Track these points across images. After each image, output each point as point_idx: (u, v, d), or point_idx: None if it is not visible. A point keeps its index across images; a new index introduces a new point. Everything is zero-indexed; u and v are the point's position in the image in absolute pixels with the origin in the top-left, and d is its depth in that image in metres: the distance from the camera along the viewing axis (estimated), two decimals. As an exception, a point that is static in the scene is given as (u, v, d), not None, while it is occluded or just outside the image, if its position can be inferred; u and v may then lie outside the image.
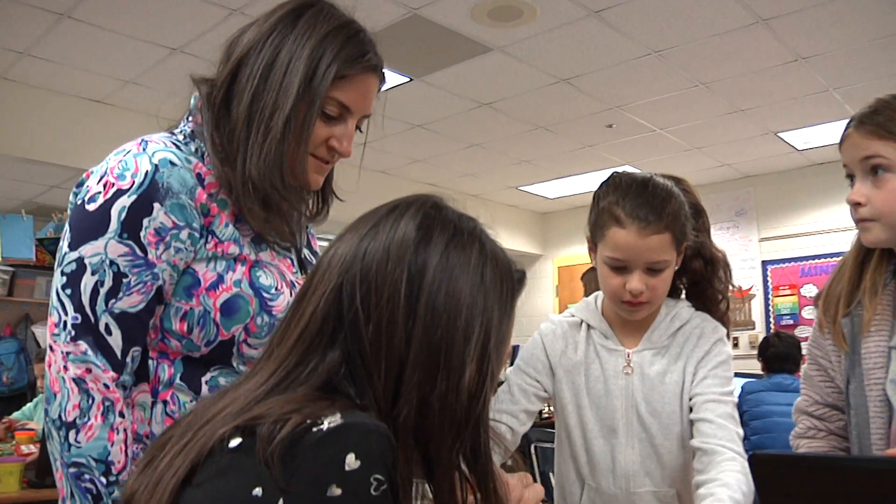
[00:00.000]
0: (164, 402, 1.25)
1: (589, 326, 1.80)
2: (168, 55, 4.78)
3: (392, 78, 5.31)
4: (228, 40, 1.35)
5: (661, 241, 1.61)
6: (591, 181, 7.57)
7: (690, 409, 1.66)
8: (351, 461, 0.76)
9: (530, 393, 1.78)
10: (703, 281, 1.80)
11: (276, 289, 1.32)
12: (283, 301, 1.32)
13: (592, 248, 1.73)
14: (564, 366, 1.78)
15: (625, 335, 1.77)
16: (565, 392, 1.77)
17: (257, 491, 0.76)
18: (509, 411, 1.76)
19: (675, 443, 1.67)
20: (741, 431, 1.61)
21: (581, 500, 1.73)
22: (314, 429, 0.78)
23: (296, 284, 1.38)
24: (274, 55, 1.29)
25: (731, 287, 1.82)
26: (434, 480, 0.90)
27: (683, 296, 1.84)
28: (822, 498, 1.01)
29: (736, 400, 1.67)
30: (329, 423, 0.78)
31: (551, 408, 1.91)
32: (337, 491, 0.74)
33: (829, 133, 6.12)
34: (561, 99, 5.67)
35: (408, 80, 5.34)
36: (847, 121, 1.59)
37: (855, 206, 1.52)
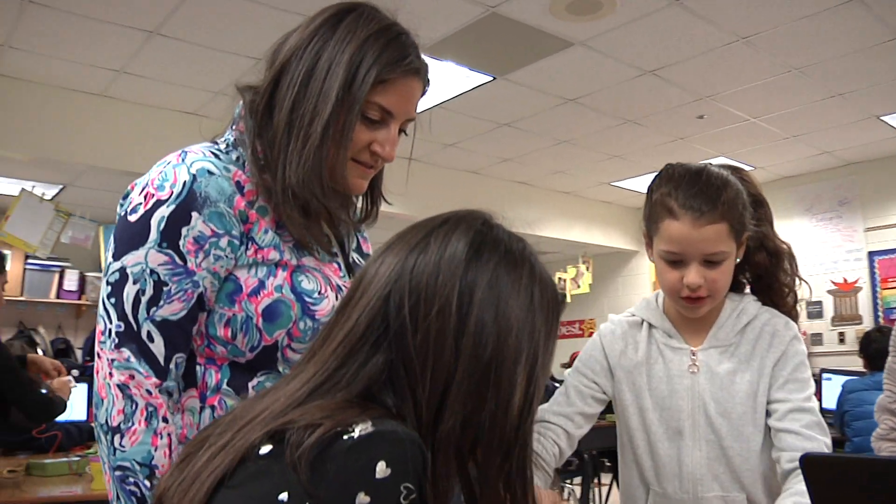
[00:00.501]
0: (212, 407, 1.26)
1: (650, 325, 1.73)
2: (253, 65, 4.90)
3: (474, 77, 5.32)
4: (273, 47, 1.35)
5: (717, 231, 1.53)
6: (684, 174, 7.38)
7: (768, 414, 1.58)
8: (381, 469, 0.75)
9: (587, 395, 1.73)
10: (767, 274, 1.70)
11: (320, 293, 1.32)
12: (327, 305, 1.31)
13: (648, 244, 1.66)
14: (624, 366, 1.72)
15: (688, 333, 1.69)
16: (626, 394, 1.71)
17: (283, 496, 0.76)
18: (564, 413, 1.72)
19: (745, 445, 1.59)
20: (829, 441, 1.52)
21: None
22: (345, 436, 0.77)
23: (342, 288, 1.37)
24: (314, 61, 1.28)
25: (797, 280, 1.72)
26: (480, 500, 0.89)
27: (748, 290, 1.75)
28: (874, 502, 0.97)
29: (816, 404, 1.57)
30: (361, 431, 0.78)
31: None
32: (365, 499, 0.74)
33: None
34: (648, 91, 5.57)
35: (491, 78, 5.34)
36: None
37: None
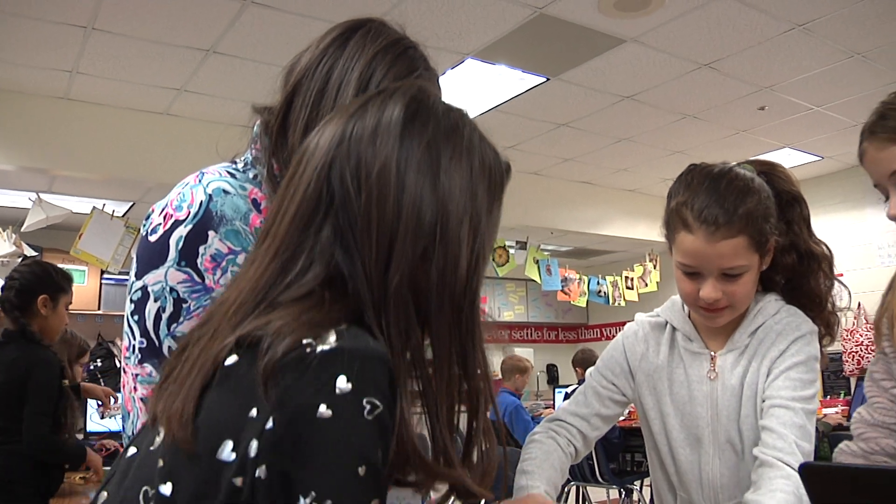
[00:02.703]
0: None
1: (674, 328, 1.67)
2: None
3: (528, 79, 5.32)
4: (286, 67, 1.37)
5: (734, 245, 1.44)
6: (750, 167, 7.24)
7: (761, 412, 1.50)
8: (342, 383, 0.74)
9: (605, 396, 1.69)
10: (798, 277, 1.60)
11: None
12: None
13: (669, 248, 1.59)
14: (645, 370, 1.67)
15: (710, 337, 1.62)
16: (647, 398, 1.66)
17: (253, 412, 0.75)
18: (581, 415, 1.68)
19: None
20: (808, 446, 1.41)
21: None
22: (308, 350, 0.76)
23: None
24: (325, 79, 1.30)
25: (836, 284, 1.61)
26: (435, 361, 0.88)
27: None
28: None
29: (813, 406, 1.47)
30: (324, 346, 0.77)
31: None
32: (327, 412, 0.73)
33: None
34: (706, 85, 5.48)
35: (544, 80, 5.33)
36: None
37: None
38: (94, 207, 5.65)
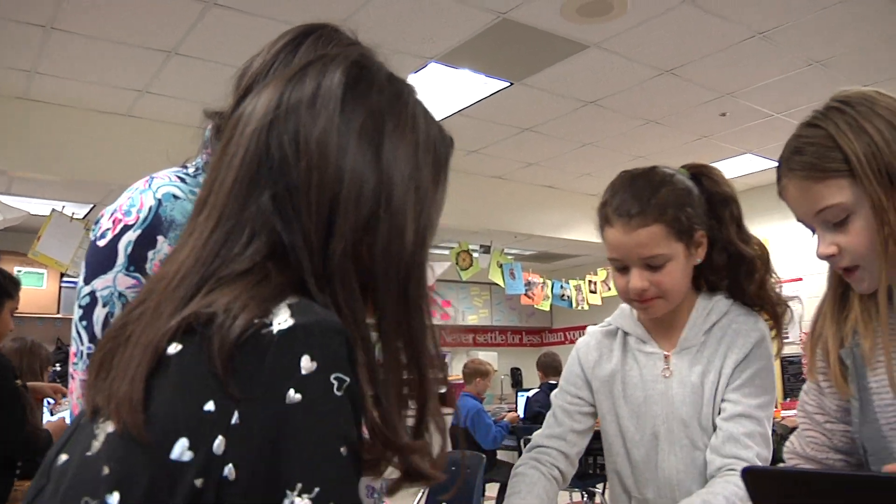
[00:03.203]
0: None
1: (625, 333, 1.71)
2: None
3: (492, 84, 5.34)
4: (238, 70, 1.36)
5: (651, 233, 1.50)
6: (712, 172, 7.31)
7: (719, 412, 1.55)
8: (307, 363, 0.71)
9: (573, 412, 1.73)
10: (735, 278, 1.64)
11: None
12: None
13: None
14: (599, 376, 1.71)
15: (662, 338, 1.66)
16: (603, 403, 1.70)
17: (209, 406, 0.71)
18: (556, 435, 1.72)
19: None
20: (767, 452, 1.50)
21: None
22: (263, 330, 0.72)
23: None
24: None
25: (776, 288, 1.64)
26: (381, 336, 0.84)
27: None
28: None
29: (771, 411, 1.54)
30: (279, 325, 0.73)
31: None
32: (296, 396, 0.69)
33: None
34: (668, 91, 5.53)
35: (508, 84, 5.35)
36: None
37: (829, 259, 1.26)
38: (53, 209, 5.58)
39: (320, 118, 0.84)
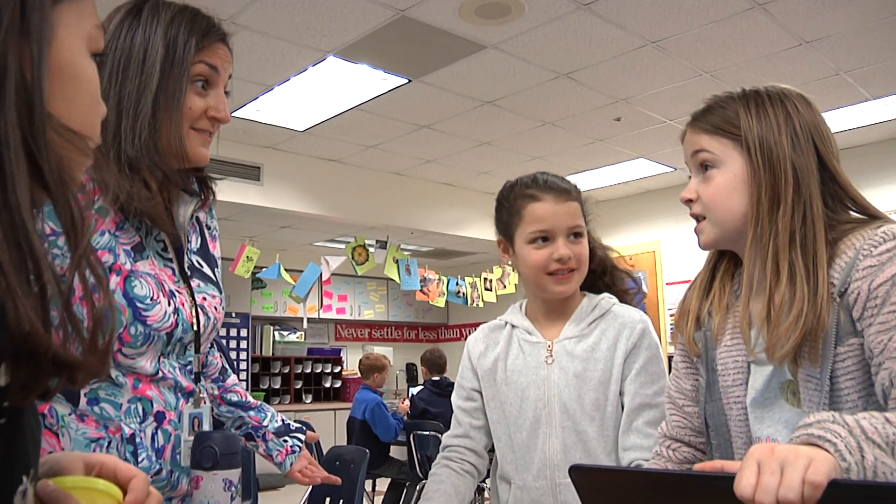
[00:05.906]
0: (42, 416, 1.22)
1: (513, 326, 1.83)
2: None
3: (390, 80, 5.29)
4: None
5: (575, 208, 1.73)
6: (605, 176, 7.50)
7: (622, 404, 1.69)
8: None
9: (470, 410, 1.84)
10: (603, 274, 1.86)
11: (152, 299, 1.32)
12: (158, 311, 1.32)
13: (507, 248, 1.78)
14: (484, 366, 1.82)
15: (547, 329, 1.79)
16: (487, 390, 1.80)
17: None
18: (459, 434, 1.83)
19: (600, 430, 1.67)
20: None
21: (508, 500, 1.73)
22: None
23: (176, 294, 1.38)
24: (129, 49, 1.34)
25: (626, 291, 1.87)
26: None
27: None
28: None
29: (665, 399, 1.61)
30: None
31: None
32: None
33: (843, 118, 5.97)
34: (564, 94, 5.59)
35: (406, 81, 5.30)
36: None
37: (687, 203, 1.43)
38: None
39: None
